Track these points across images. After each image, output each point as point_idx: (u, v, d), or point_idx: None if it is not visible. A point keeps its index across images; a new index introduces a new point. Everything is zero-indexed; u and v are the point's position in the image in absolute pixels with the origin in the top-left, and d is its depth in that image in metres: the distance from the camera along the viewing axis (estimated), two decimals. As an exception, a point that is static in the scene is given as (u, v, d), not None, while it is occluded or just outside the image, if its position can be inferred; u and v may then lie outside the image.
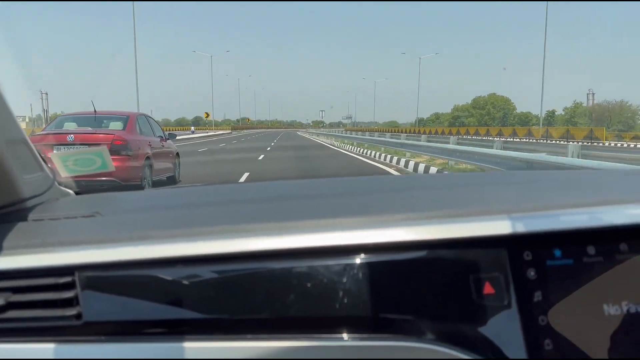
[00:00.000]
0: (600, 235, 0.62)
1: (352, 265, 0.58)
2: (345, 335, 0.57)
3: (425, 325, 0.58)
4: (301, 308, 0.57)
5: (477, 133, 40.95)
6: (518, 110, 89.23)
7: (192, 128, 64.11)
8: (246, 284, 0.58)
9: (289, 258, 0.59)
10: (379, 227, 0.60)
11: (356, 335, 0.57)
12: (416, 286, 0.58)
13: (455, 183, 1.00)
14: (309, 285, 0.58)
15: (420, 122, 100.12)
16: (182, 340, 0.58)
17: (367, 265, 0.58)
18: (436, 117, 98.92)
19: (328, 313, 0.57)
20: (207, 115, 61.84)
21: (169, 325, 0.58)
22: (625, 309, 0.60)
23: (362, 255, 0.59)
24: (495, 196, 0.79)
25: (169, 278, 0.58)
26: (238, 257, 0.59)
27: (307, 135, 47.66)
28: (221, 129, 72.44)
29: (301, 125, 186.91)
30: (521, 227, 0.61)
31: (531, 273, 0.61)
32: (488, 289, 0.61)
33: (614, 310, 0.60)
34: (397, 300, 0.58)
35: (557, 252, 0.62)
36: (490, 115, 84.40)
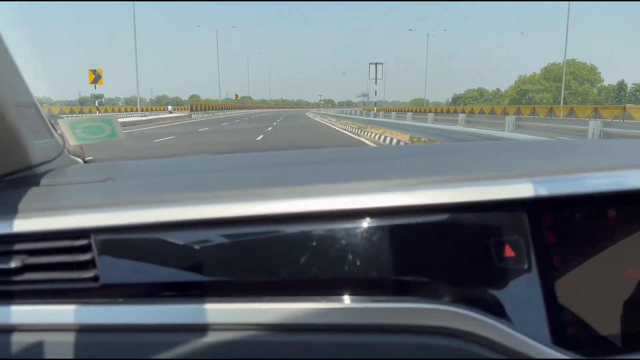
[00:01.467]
0: (623, 198, 0.64)
1: (372, 229, 0.61)
2: (365, 298, 0.60)
3: (445, 288, 0.60)
4: (322, 270, 0.61)
5: (551, 113, 31.65)
6: (606, 83, 65.23)
7: (170, 107, 64.46)
8: (260, 247, 0.61)
9: (311, 221, 0.61)
10: (399, 190, 0.62)
11: (376, 298, 0.60)
12: (436, 249, 0.61)
13: (470, 149, 1.04)
14: (327, 247, 0.61)
15: (458, 99, 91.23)
16: (197, 302, 0.61)
17: (387, 229, 0.61)
18: (480, 94, 78.57)
19: (347, 275, 0.60)
20: (193, 105, 60.91)
21: (184, 288, 0.62)
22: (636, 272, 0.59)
23: (382, 219, 0.61)
24: (514, 161, 0.82)
25: (184, 241, 0.62)
26: (251, 220, 0.62)
27: (312, 117, 43.97)
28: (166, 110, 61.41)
29: (308, 105, 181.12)
30: (542, 191, 0.63)
31: (552, 236, 0.63)
32: (508, 252, 0.62)
33: (634, 274, 0.62)
34: (417, 264, 0.60)
35: (578, 216, 0.64)
36: (570, 90, 60.57)
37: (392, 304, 0.60)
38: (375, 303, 0.60)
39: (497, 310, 0.60)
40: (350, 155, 1.02)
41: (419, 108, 54.14)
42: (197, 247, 0.62)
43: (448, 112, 37.20)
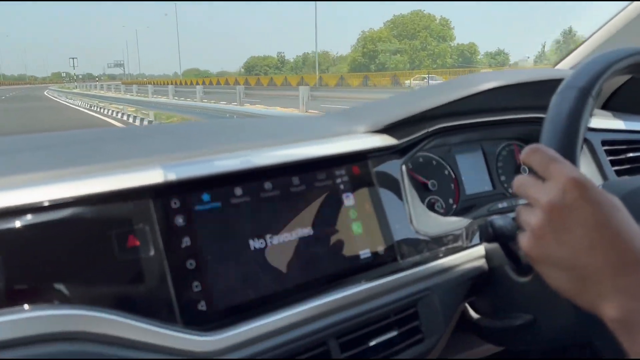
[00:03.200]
0: (247, 176, 0.74)
1: None
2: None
3: (68, 290, 0.60)
4: None
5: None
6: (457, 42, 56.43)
7: None
8: None
9: None
10: (8, 189, 0.60)
11: (8, 310, 0.58)
12: (61, 249, 0.61)
13: (103, 137, 1.02)
14: None
15: (253, 68, 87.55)
16: None
17: (9, 231, 0.59)
18: (281, 62, 65.20)
19: None
20: None
21: None
22: (269, 241, 0.73)
23: (3, 220, 0.59)
24: (145, 147, 0.86)
25: None
26: None
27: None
28: None
29: (35, 81, 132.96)
30: (164, 176, 0.67)
31: (179, 220, 0.67)
32: (132, 241, 0.64)
33: (259, 244, 0.72)
34: (45, 267, 0.60)
35: (206, 197, 0.70)
36: (427, 50, 49.01)
37: (9, 317, 0.57)
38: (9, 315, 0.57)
39: (122, 303, 0.62)
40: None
41: (193, 80, 51.48)
42: None
43: (222, 83, 38.44)
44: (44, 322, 0.58)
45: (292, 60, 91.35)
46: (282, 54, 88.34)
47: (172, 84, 35.63)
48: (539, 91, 1.01)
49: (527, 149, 0.56)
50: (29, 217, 0.60)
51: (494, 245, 0.88)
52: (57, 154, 0.80)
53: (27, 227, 0.60)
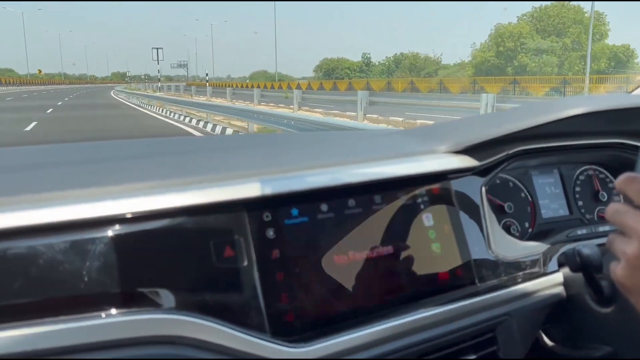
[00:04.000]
0: (332, 193, 0.80)
1: (94, 240, 0.65)
2: (101, 314, 0.63)
3: (164, 296, 0.66)
4: (50, 289, 0.62)
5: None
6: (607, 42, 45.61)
7: None
8: None
9: (28, 236, 0.62)
10: (106, 198, 0.66)
11: (109, 312, 0.63)
12: (161, 257, 0.67)
13: (199, 148, 1.14)
14: (54, 264, 0.62)
15: (330, 72, 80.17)
16: None
17: (111, 239, 0.65)
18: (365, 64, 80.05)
19: (76, 292, 0.63)
20: None
21: None
22: (352, 257, 0.78)
23: (105, 229, 0.65)
24: (239, 160, 0.92)
25: None
26: None
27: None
28: None
29: (96, 81, 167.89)
30: (258, 191, 0.73)
31: (270, 233, 0.74)
32: (228, 252, 0.71)
33: (342, 260, 0.78)
34: (144, 273, 0.66)
35: (294, 211, 0.76)
36: (579, 51, 38.78)
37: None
38: (110, 318, 0.63)
39: (216, 311, 0.68)
40: (86, 155, 1.06)
41: (261, 84, 49.91)
42: None
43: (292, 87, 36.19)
44: (143, 326, 0.63)
45: (381, 61, 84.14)
46: (368, 55, 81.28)
47: (235, 86, 36.33)
48: (625, 117, 1.04)
49: (624, 177, 0.55)
50: (135, 225, 0.66)
51: (574, 273, 0.89)
52: (155, 164, 0.88)
53: (132, 234, 0.66)
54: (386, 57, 79.97)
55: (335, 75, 74.96)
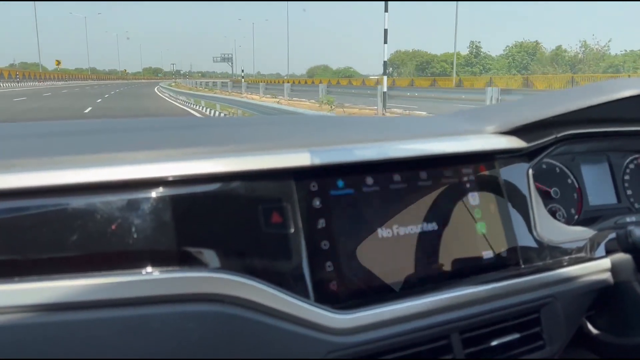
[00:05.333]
0: (377, 167, 0.84)
1: (149, 199, 0.70)
2: (148, 269, 0.68)
3: (215, 256, 0.71)
4: (105, 244, 0.67)
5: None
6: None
7: None
8: (45, 221, 0.65)
9: (87, 193, 0.67)
10: (167, 160, 0.71)
11: (141, 270, 0.67)
12: (207, 219, 0.72)
13: (250, 122, 1.25)
14: (89, 222, 0.67)
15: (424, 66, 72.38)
16: None
17: (165, 199, 0.70)
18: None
19: (130, 248, 0.68)
20: None
21: None
22: (396, 231, 0.82)
23: (159, 189, 0.71)
24: (287, 133, 1.03)
25: None
26: (31, 192, 0.65)
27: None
28: None
29: (127, 76, 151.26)
30: (306, 160, 0.77)
31: (316, 202, 0.78)
32: (276, 218, 0.75)
33: (386, 233, 0.81)
34: (194, 233, 0.71)
35: (340, 183, 0.80)
36: None
37: (157, 275, 0.67)
38: (139, 276, 0.67)
39: (263, 274, 0.73)
40: (132, 125, 1.16)
41: (316, 80, 46.29)
42: None
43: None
44: (193, 283, 0.68)
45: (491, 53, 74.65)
46: (477, 44, 72.14)
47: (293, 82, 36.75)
48: None
49: None
50: (190, 187, 0.72)
51: (622, 260, 0.91)
52: (208, 133, 0.95)
53: (187, 195, 0.71)
54: (508, 46, 68.61)
55: (430, 70, 65.75)
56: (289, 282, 0.74)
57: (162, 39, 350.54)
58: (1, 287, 0.62)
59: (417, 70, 69.59)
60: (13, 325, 0.62)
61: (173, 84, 62.38)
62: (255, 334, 0.71)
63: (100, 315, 0.65)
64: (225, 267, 0.71)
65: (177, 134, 0.99)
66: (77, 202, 0.66)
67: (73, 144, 0.85)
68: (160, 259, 0.69)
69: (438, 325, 0.81)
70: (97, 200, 0.67)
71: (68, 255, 0.66)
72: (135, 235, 0.68)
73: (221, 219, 0.72)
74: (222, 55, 78.11)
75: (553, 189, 1.06)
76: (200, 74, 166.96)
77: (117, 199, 0.68)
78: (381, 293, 0.79)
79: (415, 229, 0.83)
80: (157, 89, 46.42)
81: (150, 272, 0.67)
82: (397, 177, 0.84)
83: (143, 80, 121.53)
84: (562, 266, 0.91)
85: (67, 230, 0.66)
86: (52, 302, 0.63)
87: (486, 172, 0.91)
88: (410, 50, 78.47)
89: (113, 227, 0.67)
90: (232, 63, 77.83)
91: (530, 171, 0.98)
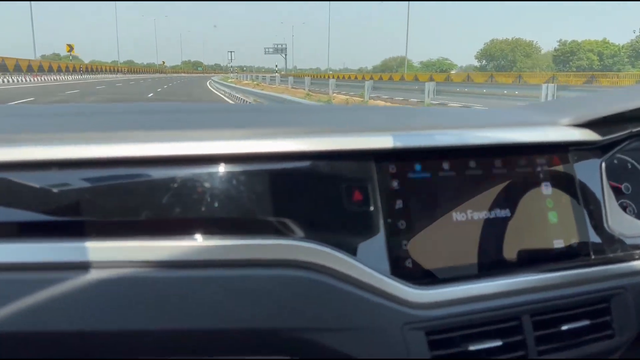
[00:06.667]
0: (454, 153, 0.88)
1: (236, 174, 0.78)
2: (229, 236, 0.76)
3: (302, 227, 0.78)
4: (184, 212, 0.75)
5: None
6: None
7: None
8: (124, 190, 0.74)
9: (175, 165, 0.75)
10: (262, 138, 0.79)
11: (238, 236, 0.76)
12: (294, 193, 0.79)
13: (332, 109, 1.40)
14: (194, 191, 0.75)
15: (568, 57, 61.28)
16: (57, 240, 0.71)
17: (251, 174, 0.78)
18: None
19: (211, 216, 0.76)
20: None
21: (43, 228, 0.71)
22: (469, 216, 0.86)
23: (246, 164, 0.78)
24: (367, 118, 1.11)
25: (45, 182, 0.71)
26: (116, 161, 0.73)
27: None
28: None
29: (166, 70, 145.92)
30: (387, 144, 0.82)
31: (394, 183, 0.83)
32: (357, 196, 0.81)
33: (460, 217, 0.86)
34: (277, 206, 0.78)
35: (418, 167, 0.85)
36: None
37: (251, 241, 0.75)
38: (236, 240, 0.75)
39: (345, 246, 0.79)
40: (223, 108, 1.29)
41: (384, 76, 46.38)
42: (55, 188, 0.71)
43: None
44: (285, 250, 0.75)
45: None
46: None
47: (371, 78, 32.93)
48: None
49: None
50: (281, 163, 0.78)
51: None
52: (293, 116, 1.05)
53: (279, 171, 0.78)
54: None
55: (576, 64, 55.49)
56: (369, 257, 0.79)
57: (202, 31, 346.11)
58: (121, 243, 0.71)
59: (555, 64, 58.70)
60: (130, 277, 0.70)
61: (232, 78, 56.05)
62: (338, 301, 0.77)
63: (205, 273, 0.73)
64: (312, 238, 0.77)
65: (265, 116, 1.08)
66: (191, 172, 0.74)
67: (154, 120, 0.94)
68: (255, 227, 0.76)
69: (510, 307, 0.84)
70: (206, 171, 0.75)
71: (180, 218, 0.74)
72: (235, 205, 0.76)
73: (308, 194, 0.79)
74: (275, 46, 70.50)
75: (624, 185, 1.06)
76: (239, 68, 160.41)
77: (222, 171, 0.76)
78: (454, 273, 0.83)
79: (488, 214, 0.86)
80: (211, 85, 39.23)
81: (247, 238, 0.75)
82: (472, 163, 0.87)
83: (184, 74, 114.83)
84: (633, 259, 0.93)
85: (181, 197, 0.74)
86: (163, 260, 0.72)
87: (560, 164, 0.93)
88: (510, 39, 68.54)
89: (217, 196, 0.75)
90: (285, 55, 70.12)
91: (603, 165, 0.98)
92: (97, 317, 0.70)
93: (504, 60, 67.55)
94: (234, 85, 30.70)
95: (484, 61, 65.57)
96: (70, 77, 54.24)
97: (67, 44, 64.61)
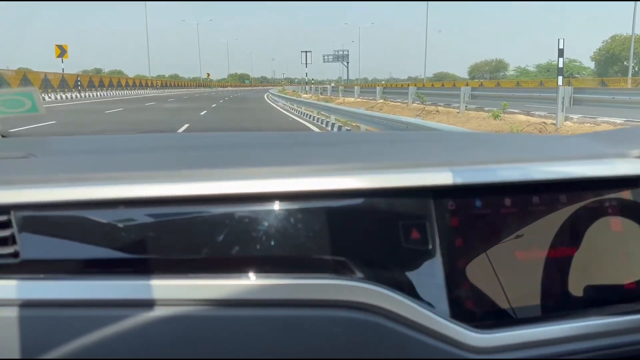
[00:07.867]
0: (516, 188, 0.83)
1: (292, 211, 0.76)
2: (285, 275, 0.74)
3: (357, 267, 0.75)
4: (242, 249, 0.74)
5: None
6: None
7: None
8: (185, 227, 0.74)
9: (233, 203, 0.75)
10: (317, 175, 0.77)
11: (294, 275, 0.74)
12: (351, 231, 0.76)
13: (387, 139, 1.31)
14: (251, 228, 0.74)
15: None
16: (121, 278, 0.72)
17: (307, 211, 0.76)
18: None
19: (268, 254, 0.74)
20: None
21: (107, 265, 0.73)
22: (533, 253, 0.81)
23: (302, 202, 0.76)
24: (426, 151, 1.06)
25: (108, 219, 0.72)
26: (176, 200, 0.74)
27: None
28: None
29: (212, 83, 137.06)
30: (446, 179, 0.78)
31: (454, 221, 0.79)
32: (415, 234, 0.77)
33: (523, 255, 0.81)
34: (333, 244, 0.75)
35: (478, 203, 0.81)
36: None
37: (308, 281, 0.73)
38: (293, 280, 0.73)
39: (402, 287, 0.76)
40: (281, 141, 1.29)
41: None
42: (121, 225, 0.72)
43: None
44: (342, 290, 0.73)
45: None
46: None
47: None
48: None
49: None
50: (337, 201, 0.76)
51: None
52: (349, 150, 1.04)
53: (336, 209, 0.75)
54: None
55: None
56: (427, 298, 0.76)
57: (250, 42, 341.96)
58: (180, 282, 0.71)
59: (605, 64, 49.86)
60: (188, 316, 0.70)
61: (283, 91, 50.74)
62: (395, 344, 0.74)
63: (260, 313, 0.72)
64: (369, 278, 0.75)
65: (323, 149, 1.09)
66: (249, 210, 0.74)
67: (206, 157, 0.95)
68: (312, 266, 0.75)
69: (578, 353, 0.79)
70: (263, 208, 0.75)
71: (238, 256, 0.73)
72: (291, 243, 0.75)
73: (365, 233, 0.77)
74: (335, 53, 63.90)
75: None
76: (286, 81, 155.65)
77: (279, 209, 0.75)
78: (518, 315, 0.80)
79: (554, 252, 0.83)
80: (268, 97, 37.70)
81: (303, 277, 0.73)
82: (535, 199, 0.84)
83: (230, 88, 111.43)
84: None
85: (238, 235, 0.74)
86: (220, 298, 0.72)
87: (630, 198, 0.87)
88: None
89: (273, 234, 0.74)
90: (347, 63, 63.15)
91: None
92: (156, 354, 0.71)
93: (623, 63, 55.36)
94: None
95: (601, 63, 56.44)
96: (129, 92, 52.37)
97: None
